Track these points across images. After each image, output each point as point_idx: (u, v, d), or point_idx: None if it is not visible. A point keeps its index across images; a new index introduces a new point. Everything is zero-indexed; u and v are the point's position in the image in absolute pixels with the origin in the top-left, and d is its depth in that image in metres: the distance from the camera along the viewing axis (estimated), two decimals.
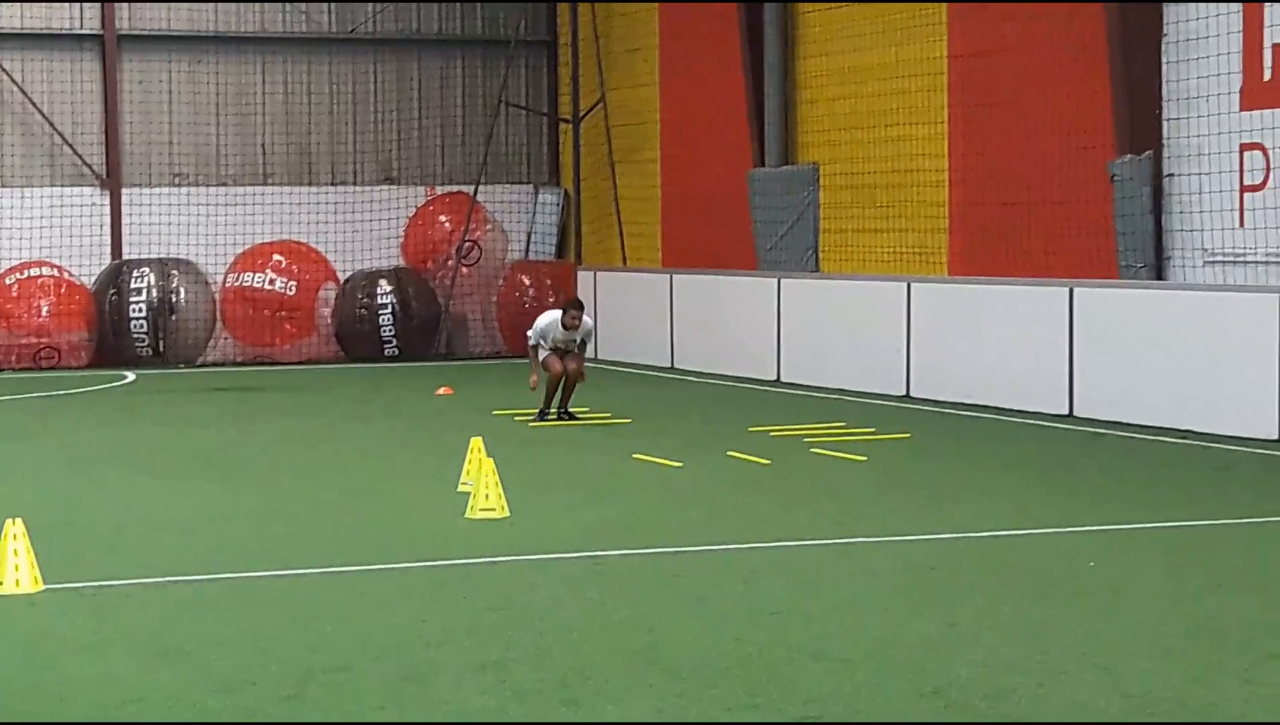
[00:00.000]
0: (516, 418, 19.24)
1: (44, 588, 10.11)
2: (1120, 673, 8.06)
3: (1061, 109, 20.10)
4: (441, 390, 22.55)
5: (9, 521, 10.20)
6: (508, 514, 12.48)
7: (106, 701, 7.76)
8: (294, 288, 27.86)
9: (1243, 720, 7.25)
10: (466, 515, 12.50)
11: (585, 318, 19.41)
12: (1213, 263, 18.32)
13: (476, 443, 13.76)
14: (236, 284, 27.85)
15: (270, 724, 7.40)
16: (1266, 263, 17.72)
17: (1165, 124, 18.74)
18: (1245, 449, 16.03)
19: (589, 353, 20.15)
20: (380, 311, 27.82)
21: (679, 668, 8.23)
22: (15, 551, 10.08)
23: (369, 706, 7.60)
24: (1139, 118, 18.93)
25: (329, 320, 28.19)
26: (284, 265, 27.96)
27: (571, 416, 19.05)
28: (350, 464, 15.97)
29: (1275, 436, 16.38)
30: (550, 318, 19.19)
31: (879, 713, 7.44)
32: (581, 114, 29.51)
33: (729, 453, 16.04)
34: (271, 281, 27.80)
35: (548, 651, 8.56)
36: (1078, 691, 7.74)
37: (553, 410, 19.02)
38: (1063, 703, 7.55)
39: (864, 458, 15.71)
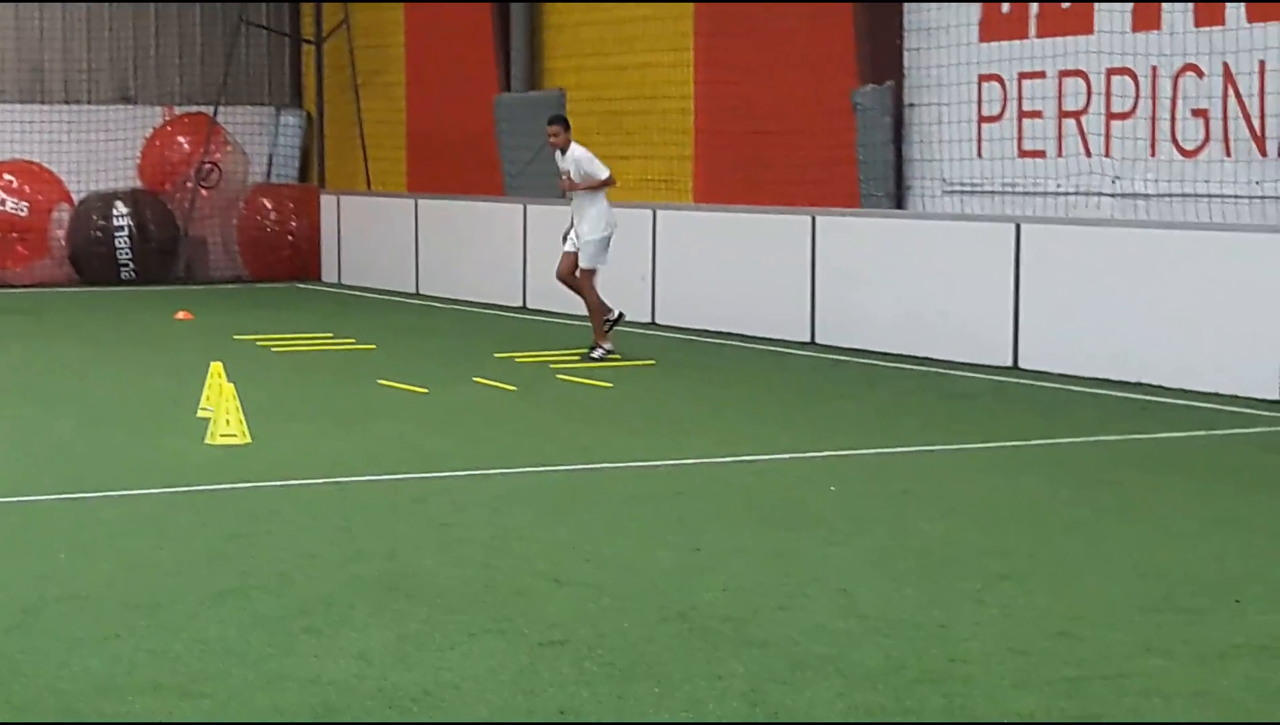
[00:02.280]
0: (259, 342, 18.96)
1: None
2: (857, 595, 8.19)
3: (805, 38, 20.28)
4: (181, 315, 22.15)
5: None
6: (249, 440, 12.30)
7: None
8: (26, 208, 27.13)
9: (973, 640, 7.41)
10: (206, 441, 12.30)
11: (578, 148, 17.62)
12: (951, 192, 18.65)
13: (217, 368, 13.53)
14: None
15: None
16: (1003, 192, 18.08)
17: (906, 54, 19.00)
18: (981, 376, 16.36)
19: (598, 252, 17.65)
20: (116, 234, 27.20)
21: (422, 594, 8.19)
22: None
23: (101, 635, 7.45)
24: (880, 48, 19.17)
25: (63, 242, 27.51)
26: (15, 185, 27.21)
27: (591, 353, 17.68)
28: (86, 389, 15.63)
29: (1009, 364, 16.76)
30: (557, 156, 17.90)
31: (623, 636, 7.47)
32: (324, 34, 29.10)
33: (475, 379, 15.99)
34: (2, 202, 27.04)
35: (289, 579, 8.47)
36: (817, 614, 7.85)
37: (613, 311, 17.77)
38: (803, 625, 7.65)
39: (610, 384, 15.76)
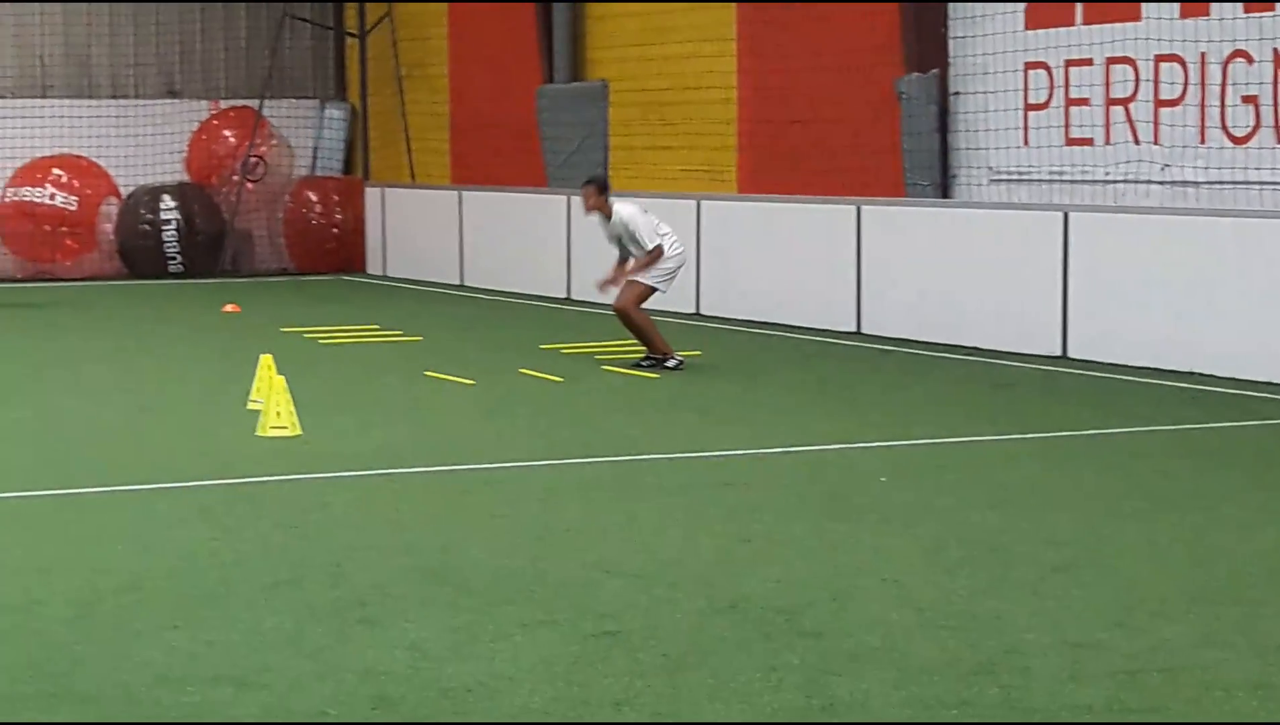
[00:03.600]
0: (306, 335, 19.01)
1: None
2: (911, 586, 8.17)
3: (849, 26, 20.22)
4: (228, 307, 22.23)
5: None
6: (299, 432, 12.34)
7: None
8: (75, 203, 27.27)
9: (1029, 631, 7.39)
10: (257, 433, 12.34)
11: (621, 206, 15.86)
12: (997, 181, 18.59)
13: (267, 360, 13.57)
14: (15, 198, 27.18)
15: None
16: (1050, 181, 18.01)
17: (951, 42, 18.94)
18: (1028, 366, 16.31)
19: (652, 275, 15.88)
20: (164, 227, 27.31)
21: (474, 585, 8.20)
22: None
23: (161, 626, 7.48)
24: (925, 35, 19.10)
25: (111, 236, 27.63)
26: (64, 180, 27.34)
27: (638, 364, 16.01)
28: (137, 382, 15.69)
29: (1058, 353, 16.70)
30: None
31: (676, 627, 7.47)
32: (368, 28, 29.14)
33: (521, 370, 16.00)
34: (52, 196, 27.18)
35: (342, 571, 8.49)
36: (870, 605, 7.84)
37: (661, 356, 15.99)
38: (856, 616, 7.64)
39: (656, 375, 15.74)
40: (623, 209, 15.90)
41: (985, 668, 6.89)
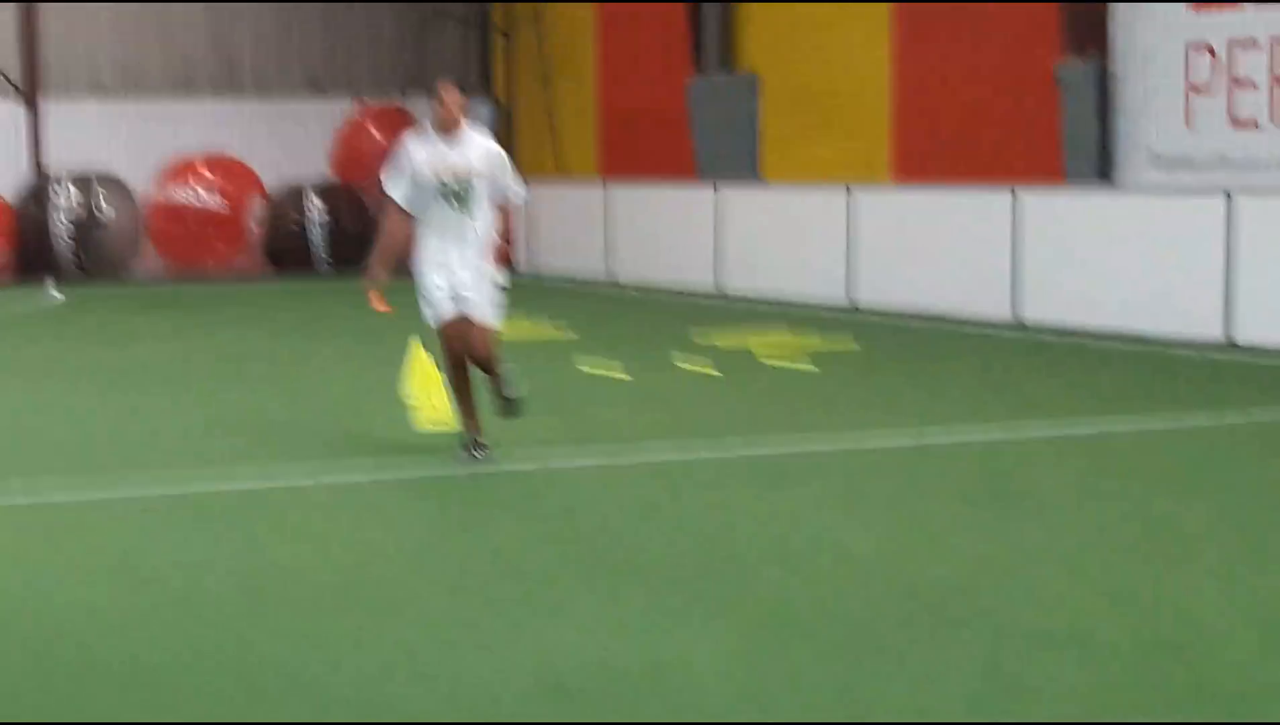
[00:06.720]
0: None
1: None
2: (1089, 567, 8.01)
3: (1006, 11, 19.88)
4: (378, 304, 22.14)
5: None
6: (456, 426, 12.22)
7: (51, 616, 7.52)
8: (222, 201, 27.42)
9: (1213, 612, 7.16)
10: (415, 427, 12.25)
11: (484, 137, 10.68)
12: (1159, 165, 18.18)
13: (420, 353, 13.47)
14: (163, 198, 27.38)
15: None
16: (1212, 165, 17.59)
17: (1112, 24, 18.56)
18: (1191, 352, 15.96)
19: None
20: (311, 225, 27.40)
21: (644, 574, 8.08)
22: None
23: (329, 618, 7.40)
24: (1085, 20, 18.73)
25: (258, 234, 27.76)
26: (211, 178, 27.51)
27: (478, 446, 10.83)
28: (292, 376, 15.69)
29: (1221, 339, 16.32)
30: (412, 146, 10.66)
31: (852, 613, 7.31)
32: (515, 23, 29.11)
33: (676, 363, 15.83)
34: (199, 195, 27.35)
35: (510, 561, 8.37)
36: (1051, 584, 7.66)
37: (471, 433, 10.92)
38: (1036, 598, 7.45)
39: (815, 368, 15.52)
40: (482, 135, 10.75)
41: (1169, 648, 6.67)
